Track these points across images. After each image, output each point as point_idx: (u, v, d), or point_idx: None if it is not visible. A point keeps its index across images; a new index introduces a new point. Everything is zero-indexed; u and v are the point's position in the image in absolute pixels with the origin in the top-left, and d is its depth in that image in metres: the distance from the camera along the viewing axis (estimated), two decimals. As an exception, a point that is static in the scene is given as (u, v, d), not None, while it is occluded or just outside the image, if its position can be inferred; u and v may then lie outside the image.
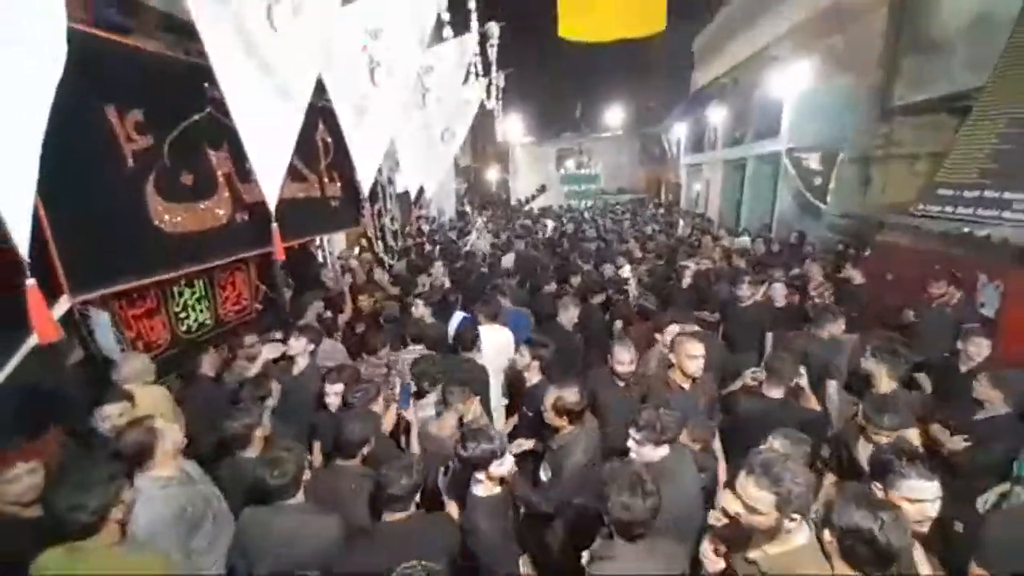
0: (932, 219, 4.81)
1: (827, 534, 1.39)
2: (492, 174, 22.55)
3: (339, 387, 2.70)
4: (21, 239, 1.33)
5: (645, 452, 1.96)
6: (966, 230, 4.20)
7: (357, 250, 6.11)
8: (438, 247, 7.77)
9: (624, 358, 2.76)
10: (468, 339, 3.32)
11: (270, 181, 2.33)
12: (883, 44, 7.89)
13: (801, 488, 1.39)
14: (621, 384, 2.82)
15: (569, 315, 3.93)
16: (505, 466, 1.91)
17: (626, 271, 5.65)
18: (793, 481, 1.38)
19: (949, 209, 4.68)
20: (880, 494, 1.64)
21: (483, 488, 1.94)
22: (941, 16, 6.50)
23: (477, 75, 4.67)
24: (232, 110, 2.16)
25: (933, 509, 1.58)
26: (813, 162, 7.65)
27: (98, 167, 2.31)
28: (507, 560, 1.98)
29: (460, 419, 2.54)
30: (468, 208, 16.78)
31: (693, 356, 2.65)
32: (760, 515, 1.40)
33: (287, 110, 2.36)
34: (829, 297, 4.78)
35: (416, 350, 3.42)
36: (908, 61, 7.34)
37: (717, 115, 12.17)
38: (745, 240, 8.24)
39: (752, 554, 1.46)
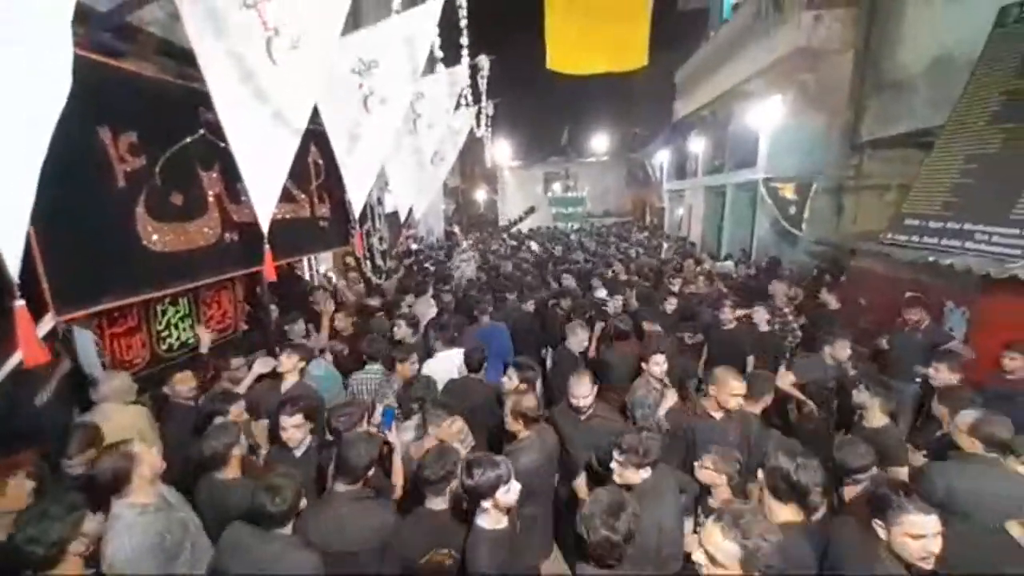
0: (900, 247, 5.04)
1: (760, 479, 1.75)
2: (480, 195, 22.86)
3: (297, 419, 2.46)
4: (13, 261, 1.35)
5: (627, 475, 2.01)
6: (932, 259, 4.41)
7: (335, 278, 6.10)
8: (429, 268, 7.79)
9: (581, 392, 2.74)
10: (475, 361, 3.44)
11: (264, 204, 2.37)
12: (850, 83, 8.38)
13: (770, 546, 1.33)
14: (582, 418, 2.76)
15: (579, 339, 3.90)
16: (512, 493, 1.82)
17: (601, 293, 5.76)
18: (762, 537, 1.33)
19: (916, 238, 4.91)
20: (882, 532, 1.61)
21: (489, 520, 1.84)
22: (904, 58, 6.95)
23: (467, 104, 4.82)
24: (228, 135, 2.22)
25: (935, 544, 1.53)
26: (788, 191, 7.99)
27: (89, 187, 2.32)
28: None
29: (441, 443, 2.39)
30: (456, 228, 16.91)
31: (735, 394, 2.67)
32: (722, 567, 1.34)
33: (283, 136, 2.41)
34: (794, 316, 4.96)
35: (373, 369, 3.51)
36: (874, 99, 7.78)
37: (697, 144, 12.61)
38: (728, 264, 8.48)
39: None
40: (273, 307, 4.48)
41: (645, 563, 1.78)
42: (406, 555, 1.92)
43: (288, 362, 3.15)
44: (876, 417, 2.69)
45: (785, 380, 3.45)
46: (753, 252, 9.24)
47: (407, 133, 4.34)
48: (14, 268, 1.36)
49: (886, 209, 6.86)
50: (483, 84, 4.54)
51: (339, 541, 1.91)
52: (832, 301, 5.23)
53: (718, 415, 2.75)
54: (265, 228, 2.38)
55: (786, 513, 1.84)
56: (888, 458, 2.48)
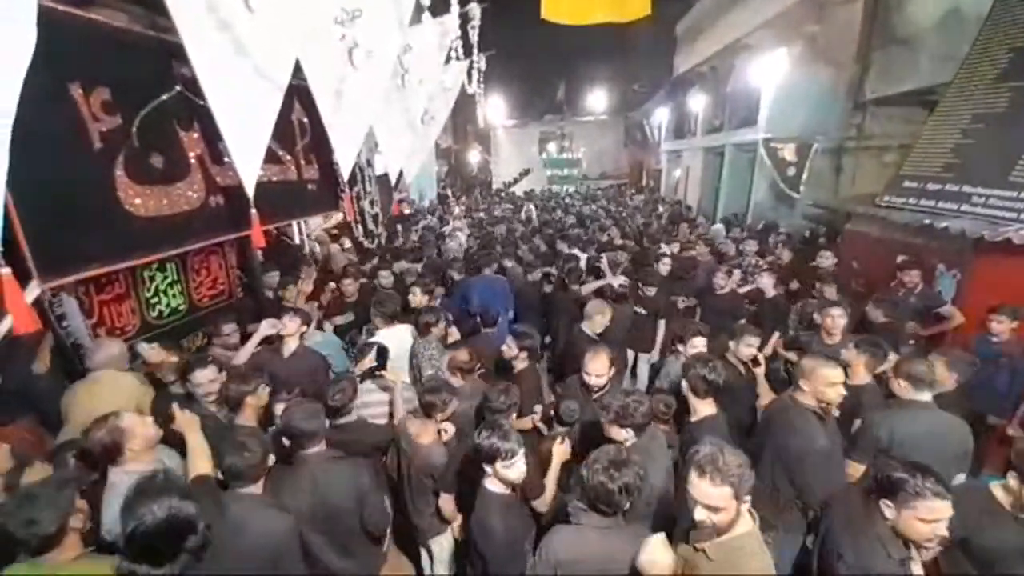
0: (897, 210, 5.01)
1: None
2: (474, 156, 22.26)
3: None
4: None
5: (613, 432, 2.10)
6: (927, 221, 4.39)
7: (318, 247, 5.97)
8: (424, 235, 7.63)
9: (596, 368, 2.58)
10: (490, 317, 3.73)
11: (248, 164, 2.28)
12: (858, 37, 8.06)
13: (744, 469, 1.44)
14: (593, 396, 2.64)
15: (598, 322, 3.59)
16: (512, 471, 1.80)
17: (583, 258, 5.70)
18: (737, 466, 1.42)
19: (913, 201, 4.87)
20: (889, 512, 1.58)
21: (494, 484, 1.85)
22: (912, 11, 6.66)
23: (458, 57, 4.59)
24: (206, 91, 2.10)
25: (944, 528, 1.52)
26: (788, 153, 7.84)
27: (64, 148, 2.21)
28: (514, 561, 1.85)
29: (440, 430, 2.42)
30: (449, 192, 16.57)
31: (833, 383, 2.25)
32: (723, 511, 1.42)
33: (265, 90, 2.29)
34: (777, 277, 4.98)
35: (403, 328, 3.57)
36: (880, 55, 7.52)
37: (697, 102, 12.24)
38: (719, 228, 8.44)
39: (701, 543, 1.50)
40: (275, 273, 4.42)
41: (636, 518, 1.85)
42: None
43: (291, 325, 3.11)
44: (859, 374, 2.76)
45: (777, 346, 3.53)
46: (749, 216, 9.17)
47: (395, 90, 4.14)
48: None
49: (885, 171, 6.77)
50: (474, 35, 4.29)
51: (315, 499, 1.95)
52: (826, 262, 5.24)
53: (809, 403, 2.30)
54: (250, 191, 2.31)
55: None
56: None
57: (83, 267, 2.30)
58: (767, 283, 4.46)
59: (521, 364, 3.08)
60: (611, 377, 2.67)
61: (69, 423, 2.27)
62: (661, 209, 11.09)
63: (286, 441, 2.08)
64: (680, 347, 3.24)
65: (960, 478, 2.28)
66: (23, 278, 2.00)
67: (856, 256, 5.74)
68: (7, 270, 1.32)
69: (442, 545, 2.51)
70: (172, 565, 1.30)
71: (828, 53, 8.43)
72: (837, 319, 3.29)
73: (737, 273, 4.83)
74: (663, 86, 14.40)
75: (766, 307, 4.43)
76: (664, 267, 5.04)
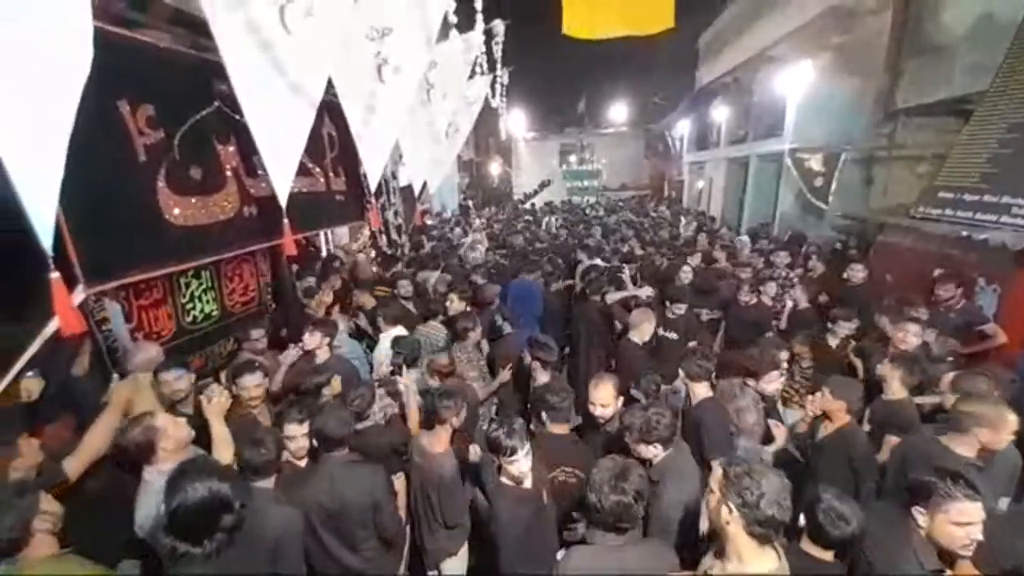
0: (933, 221, 4.84)
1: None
2: (495, 168, 22.52)
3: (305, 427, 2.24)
4: (45, 233, 1.38)
5: (640, 449, 2.04)
6: (964, 233, 4.24)
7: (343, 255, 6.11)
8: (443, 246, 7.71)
9: (602, 397, 2.38)
10: (516, 318, 3.91)
11: (282, 177, 2.37)
12: (887, 47, 7.90)
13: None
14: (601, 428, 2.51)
15: (644, 330, 3.51)
16: (515, 466, 1.87)
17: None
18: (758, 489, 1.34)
19: (949, 212, 4.72)
20: (922, 519, 1.55)
21: (508, 476, 1.94)
22: (944, 20, 6.50)
23: (482, 72, 4.69)
24: (244, 107, 2.20)
25: (978, 531, 1.50)
26: (815, 163, 7.68)
27: (112, 161, 2.35)
28: (529, 560, 1.90)
29: (454, 433, 2.42)
30: (470, 203, 16.75)
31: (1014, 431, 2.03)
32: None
33: (299, 107, 2.39)
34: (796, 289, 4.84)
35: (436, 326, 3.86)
36: (911, 64, 7.35)
37: (720, 113, 12.14)
38: (745, 239, 8.28)
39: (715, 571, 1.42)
40: (311, 279, 4.55)
41: (669, 537, 1.81)
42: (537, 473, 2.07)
43: (312, 341, 3.22)
44: (895, 389, 2.67)
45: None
46: (775, 227, 8.98)
47: (421, 104, 4.26)
48: (47, 242, 1.39)
49: (918, 181, 6.57)
50: (498, 51, 4.39)
51: (331, 500, 2.00)
52: (857, 276, 5.08)
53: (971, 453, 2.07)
54: (283, 201, 2.39)
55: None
56: (901, 431, 2.47)
57: (125, 273, 2.42)
58: (799, 296, 4.34)
59: (543, 377, 3.06)
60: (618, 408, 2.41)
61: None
62: (685, 220, 10.96)
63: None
64: (752, 383, 2.79)
65: (1004, 502, 2.16)
66: (70, 283, 2.12)
67: (889, 269, 5.56)
68: (56, 275, 1.40)
69: (453, 567, 2.47)
70: (209, 543, 1.39)
71: (855, 63, 8.28)
72: (910, 336, 3.12)
73: (772, 286, 4.68)
74: (685, 97, 14.35)
75: (796, 320, 4.30)
76: (685, 275, 4.95)
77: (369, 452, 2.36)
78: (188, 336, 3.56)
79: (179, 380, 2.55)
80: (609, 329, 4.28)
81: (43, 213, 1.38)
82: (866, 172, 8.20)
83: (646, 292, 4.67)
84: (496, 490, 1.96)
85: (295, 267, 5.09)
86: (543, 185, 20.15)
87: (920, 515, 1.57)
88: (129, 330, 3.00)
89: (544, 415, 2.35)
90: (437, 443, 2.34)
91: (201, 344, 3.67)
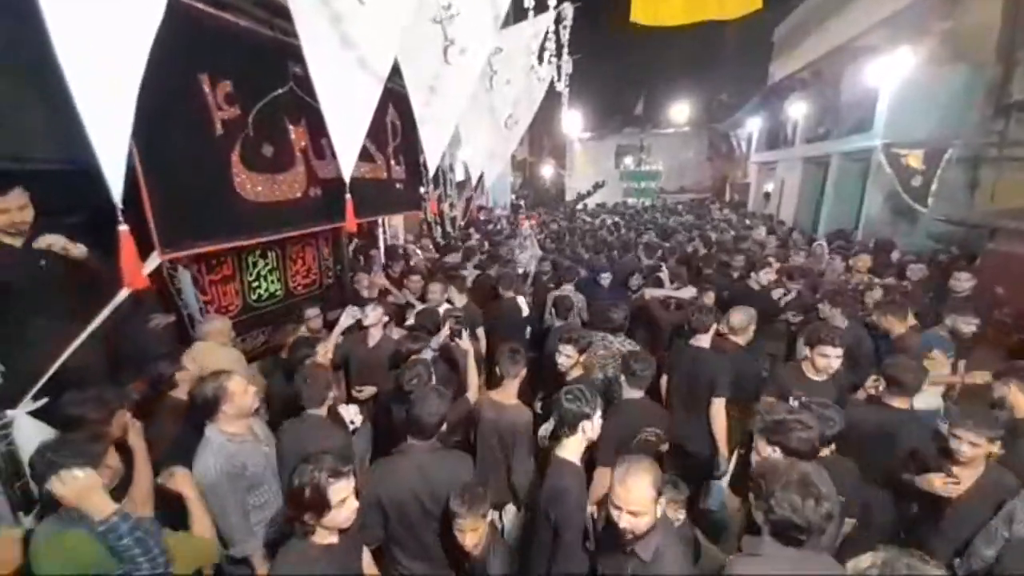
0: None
1: None
2: (548, 170, 22.34)
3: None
4: (116, 183, 1.38)
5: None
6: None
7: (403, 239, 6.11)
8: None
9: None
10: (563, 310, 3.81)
11: (347, 152, 2.35)
12: (999, 33, 6.97)
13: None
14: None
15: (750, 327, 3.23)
16: (596, 429, 1.88)
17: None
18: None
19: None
20: None
21: (568, 453, 1.90)
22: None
23: (549, 61, 4.56)
24: (315, 80, 2.20)
25: None
26: (914, 160, 6.85)
27: (191, 133, 2.42)
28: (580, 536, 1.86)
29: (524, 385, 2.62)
30: (521, 202, 16.70)
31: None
32: None
33: (366, 82, 2.36)
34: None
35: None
36: (1034, 49, 6.43)
37: (797, 109, 11.28)
38: (822, 244, 7.57)
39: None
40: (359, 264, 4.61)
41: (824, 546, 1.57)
42: (622, 436, 2.28)
43: (373, 315, 3.22)
44: (1021, 407, 2.31)
45: None
46: (859, 232, 8.16)
47: (483, 91, 4.20)
48: (117, 192, 1.39)
49: (1037, 183, 5.72)
50: (565, 35, 4.24)
51: (421, 486, 1.90)
52: (961, 286, 4.43)
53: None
54: (347, 176, 2.37)
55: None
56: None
57: (198, 242, 2.49)
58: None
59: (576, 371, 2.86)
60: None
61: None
62: (750, 223, 10.25)
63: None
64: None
65: None
66: (146, 249, 2.20)
67: (1001, 280, 4.85)
68: (125, 227, 1.40)
69: (508, 516, 2.59)
70: None
71: (962, 51, 7.38)
72: None
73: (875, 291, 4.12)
74: (755, 95, 13.49)
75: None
76: (766, 275, 4.52)
77: None
78: (253, 313, 3.69)
79: (316, 319, 3.35)
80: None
81: (114, 164, 1.38)
82: (971, 173, 7.27)
83: (688, 293, 4.33)
84: (559, 469, 1.88)
85: (360, 258, 5.21)
86: (597, 186, 19.73)
87: None
88: (204, 302, 3.14)
89: (624, 380, 2.48)
90: (507, 396, 2.50)
91: (264, 322, 3.78)
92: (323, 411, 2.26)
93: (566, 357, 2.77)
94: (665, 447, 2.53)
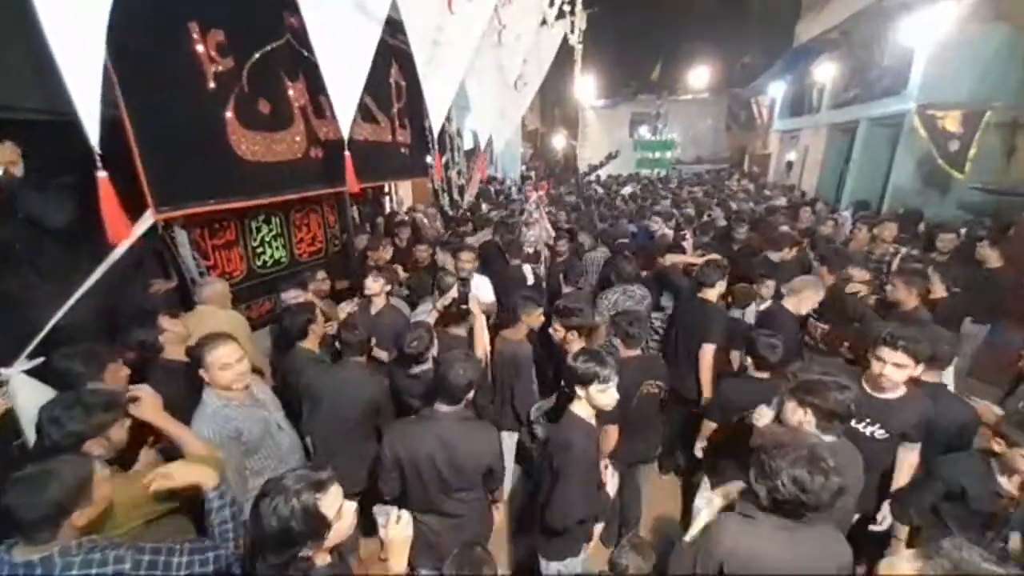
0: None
1: None
2: (559, 142, 21.72)
3: None
4: (91, 125, 1.28)
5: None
6: None
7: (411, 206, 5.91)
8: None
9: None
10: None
11: (345, 103, 2.21)
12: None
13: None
14: None
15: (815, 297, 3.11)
16: (607, 396, 1.80)
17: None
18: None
19: None
20: None
21: (581, 409, 1.86)
22: None
23: (562, 13, 4.29)
24: (308, 21, 2.05)
25: None
26: (951, 123, 6.40)
27: (182, 85, 2.31)
28: (589, 492, 1.85)
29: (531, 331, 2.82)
30: (532, 174, 16.32)
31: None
32: None
33: (363, 25, 2.20)
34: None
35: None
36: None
37: (824, 72, 10.67)
38: (847, 216, 7.26)
39: None
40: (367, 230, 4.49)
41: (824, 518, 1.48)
42: (626, 391, 2.22)
43: (375, 285, 3.15)
44: None
45: None
46: (885, 203, 7.79)
47: (491, 47, 3.97)
48: (93, 135, 1.29)
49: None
50: (579, -14, 3.96)
51: (441, 454, 1.85)
52: (993, 258, 4.17)
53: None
54: (345, 131, 2.24)
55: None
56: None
57: (194, 202, 2.40)
58: (934, 282, 3.44)
59: (576, 344, 2.70)
60: None
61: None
62: (769, 193, 9.86)
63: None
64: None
65: None
66: (138, 208, 2.12)
67: (1039, 252, 4.57)
68: (104, 174, 1.30)
69: (509, 444, 2.79)
70: None
71: (1004, 9, 6.81)
72: None
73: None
74: (780, 57, 12.78)
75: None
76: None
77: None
78: (258, 279, 3.64)
79: (323, 282, 3.45)
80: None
81: (87, 100, 1.27)
82: (1009, 139, 6.82)
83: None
84: (569, 422, 1.86)
85: (367, 226, 5.10)
86: (610, 157, 19.15)
87: None
88: (207, 267, 3.09)
89: (620, 341, 2.50)
90: (515, 334, 2.74)
91: (270, 288, 3.74)
92: (364, 359, 2.53)
93: (553, 331, 2.63)
94: (665, 396, 2.64)
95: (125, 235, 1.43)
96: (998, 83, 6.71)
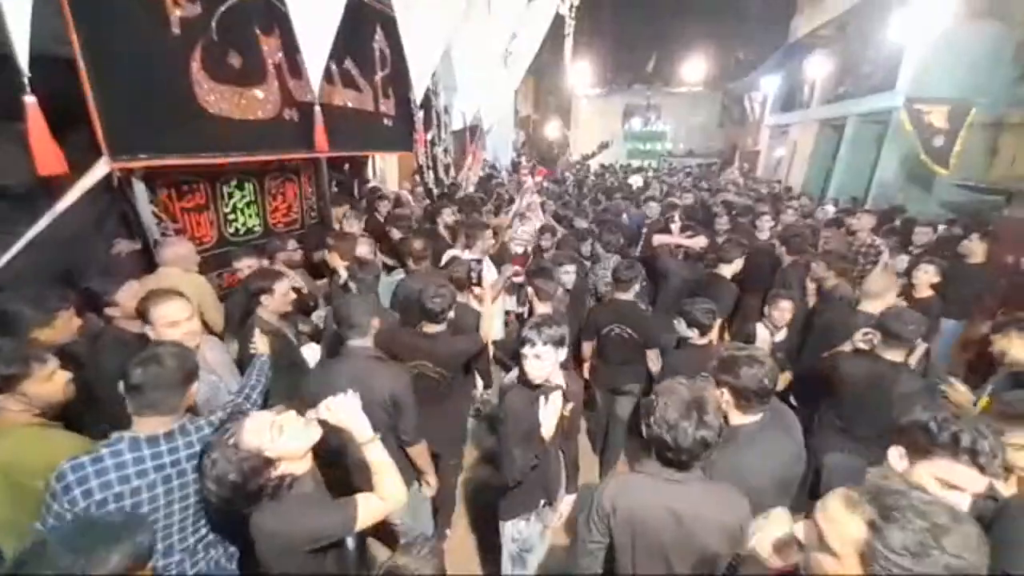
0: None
1: None
2: (552, 130, 21.51)
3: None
4: (20, 44, 1.16)
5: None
6: None
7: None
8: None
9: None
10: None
11: (315, 51, 2.10)
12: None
13: None
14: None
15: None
16: (527, 364, 1.68)
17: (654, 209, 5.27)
18: None
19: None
20: None
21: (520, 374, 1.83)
22: None
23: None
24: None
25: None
26: (937, 118, 6.45)
27: (142, 26, 2.16)
28: (528, 448, 1.74)
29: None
30: (523, 160, 16.14)
31: None
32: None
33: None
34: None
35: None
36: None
37: (816, 67, 10.72)
38: (829, 209, 7.29)
39: None
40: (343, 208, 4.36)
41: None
42: (598, 324, 2.76)
43: (332, 259, 3.02)
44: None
45: None
46: (869, 199, 7.86)
47: (480, 17, 3.86)
48: (23, 54, 1.17)
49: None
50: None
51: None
52: (976, 253, 4.19)
53: None
54: (315, 84, 2.12)
55: None
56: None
57: (151, 151, 2.26)
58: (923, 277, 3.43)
59: (542, 308, 2.84)
60: None
61: None
62: (765, 191, 9.85)
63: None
64: None
65: None
66: (91, 155, 1.98)
67: (1016, 248, 4.66)
68: (32, 98, 1.19)
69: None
70: None
71: (994, 7, 6.86)
72: None
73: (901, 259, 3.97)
74: (774, 53, 12.78)
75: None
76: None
77: (439, 360, 2.25)
78: (230, 247, 3.49)
79: (295, 252, 3.29)
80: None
81: (18, 23, 1.15)
82: (992, 137, 6.92)
83: (699, 243, 4.15)
84: (508, 389, 1.88)
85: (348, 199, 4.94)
86: (602, 147, 19.05)
87: None
88: (176, 230, 2.94)
89: (614, 285, 2.84)
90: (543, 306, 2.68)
91: (242, 257, 3.60)
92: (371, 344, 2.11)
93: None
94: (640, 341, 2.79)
95: (58, 168, 1.32)
96: (985, 80, 6.79)
